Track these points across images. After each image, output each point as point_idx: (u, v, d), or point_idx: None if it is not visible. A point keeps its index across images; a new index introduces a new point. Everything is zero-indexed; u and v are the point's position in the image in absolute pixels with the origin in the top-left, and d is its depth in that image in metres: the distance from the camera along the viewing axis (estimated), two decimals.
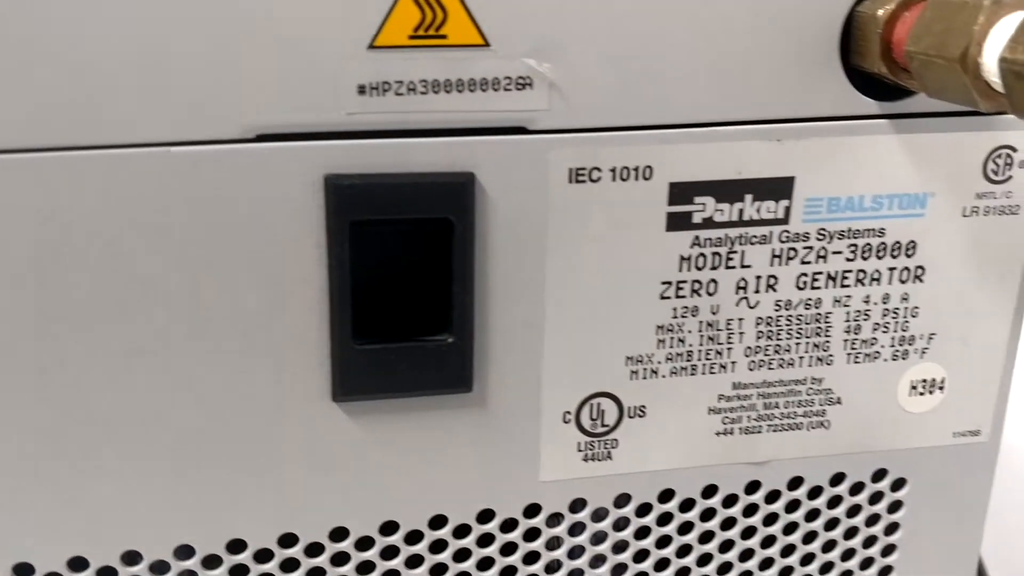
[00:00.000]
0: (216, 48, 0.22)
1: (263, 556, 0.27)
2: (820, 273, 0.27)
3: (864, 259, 0.27)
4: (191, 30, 0.22)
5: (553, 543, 0.28)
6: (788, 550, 0.30)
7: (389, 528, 0.27)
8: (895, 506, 0.30)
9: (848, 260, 0.27)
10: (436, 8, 0.23)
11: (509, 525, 0.28)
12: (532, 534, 0.28)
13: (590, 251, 0.25)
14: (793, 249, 0.27)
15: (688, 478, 0.28)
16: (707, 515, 0.29)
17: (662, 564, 0.29)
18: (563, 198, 0.25)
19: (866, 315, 0.28)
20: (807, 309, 0.27)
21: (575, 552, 0.29)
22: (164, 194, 0.23)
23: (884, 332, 0.28)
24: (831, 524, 0.30)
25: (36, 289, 0.23)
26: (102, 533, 0.25)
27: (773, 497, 0.29)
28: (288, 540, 0.26)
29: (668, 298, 0.26)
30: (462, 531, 0.28)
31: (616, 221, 0.25)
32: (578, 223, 0.25)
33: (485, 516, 0.27)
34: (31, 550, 0.25)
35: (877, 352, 0.28)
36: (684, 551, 0.29)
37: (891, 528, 0.30)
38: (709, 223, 0.26)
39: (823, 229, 0.27)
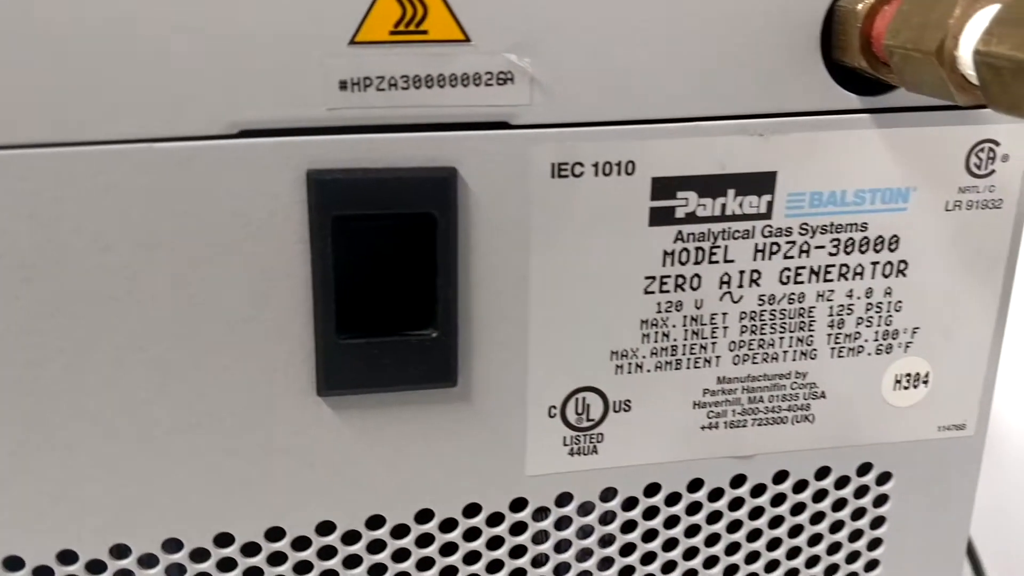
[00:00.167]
0: (199, 45, 0.22)
1: (250, 549, 0.27)
2: (803, 267, 0.27)
3: (847, 253, 0.27)
4: (173, 27, 0.22)
5: (539, 537, 0.29)
6: (774, 544, 0.30)
7: (375, 522, 0.27)
8: (880, 500, 0.30)
9: (831, 254, 0.27)
10: (417, 4, 0.23)
11: (495, 519, 0.28)
12: (518, 528, 0.28)
13: (573, 246, 0.26)
14: (776, 244, 0.27)
15: (673, 472, 0.28)
16: (693, 509, 0.29)
17: (648, 558, 0.29)
18: (546, 193, 0.25)
19: (849, 309, 0.28)
20: (790, 303, 0.27)
21: (561, 546, 0.29)
22: (147, 190, 0.23)
23: (868, 326, 0.28)
24: (817, 518, 0.30)
25: (20, 284, 0.23)
26: (91, 527, 0.26)
27: (759, 491, 0.29)
28: (275, 534, 0.27)
29: (652, 293, 0.26)
30: (448, 525, 0.28)
31: (599, 216, 0.25)
32: (561, 218, 0.25)
33: (471, 510, 0.28)
34: (20, 544, 0.25)
35: (861, 346, 0.28)
36: (670, 545, 0.29)
37: (877, 522, 0.30)
38: (692, 218, 0.26)
39: (806, 223, 0.27)
